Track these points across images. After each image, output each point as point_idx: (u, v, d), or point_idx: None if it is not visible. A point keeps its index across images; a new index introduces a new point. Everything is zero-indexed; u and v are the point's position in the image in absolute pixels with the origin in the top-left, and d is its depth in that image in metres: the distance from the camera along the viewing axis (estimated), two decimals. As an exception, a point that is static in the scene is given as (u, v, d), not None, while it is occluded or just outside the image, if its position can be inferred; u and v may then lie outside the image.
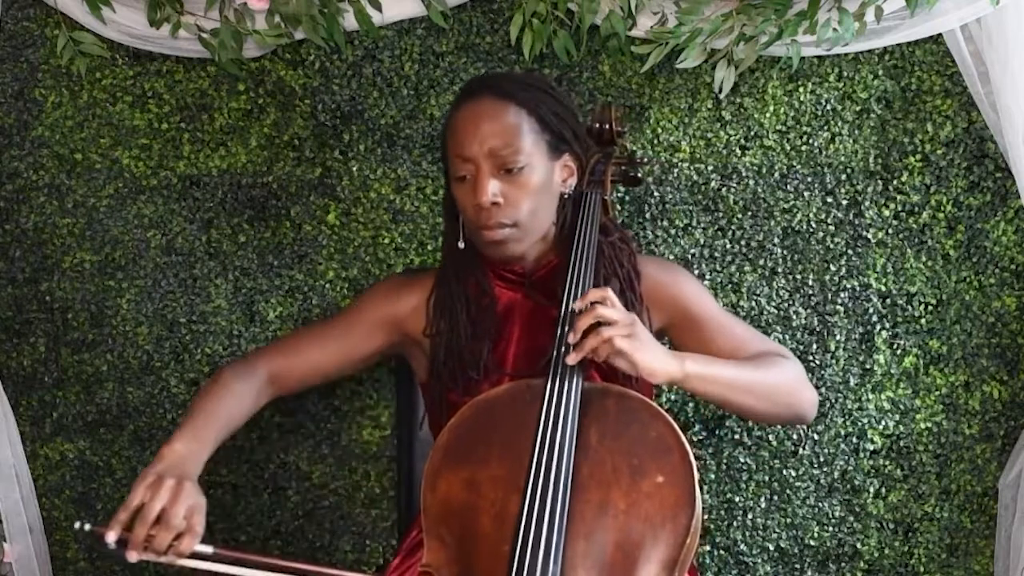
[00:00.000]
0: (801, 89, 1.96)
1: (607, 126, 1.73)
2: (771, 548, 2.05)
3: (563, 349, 1.43)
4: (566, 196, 1.61)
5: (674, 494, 1.34)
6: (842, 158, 1.97)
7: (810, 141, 1.97)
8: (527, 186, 1.54)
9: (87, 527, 1.29)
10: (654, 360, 1.40)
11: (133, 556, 1.29)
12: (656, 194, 1.99)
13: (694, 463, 1.35)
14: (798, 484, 2.03)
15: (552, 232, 1.62)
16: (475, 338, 1.60)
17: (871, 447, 2.02)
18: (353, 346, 1.66)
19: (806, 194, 1.98)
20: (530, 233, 1.57)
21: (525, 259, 1.61)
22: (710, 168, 1.99)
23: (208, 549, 1.31)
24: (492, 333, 1.61)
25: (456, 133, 1.56)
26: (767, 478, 2.03)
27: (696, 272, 2.00)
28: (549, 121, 1.57)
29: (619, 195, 2.00)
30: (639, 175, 1.79)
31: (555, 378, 1.42)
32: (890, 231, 1.98)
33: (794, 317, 2.00)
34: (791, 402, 1.58)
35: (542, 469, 1.35)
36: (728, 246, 2.00)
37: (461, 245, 1.60)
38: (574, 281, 1.51)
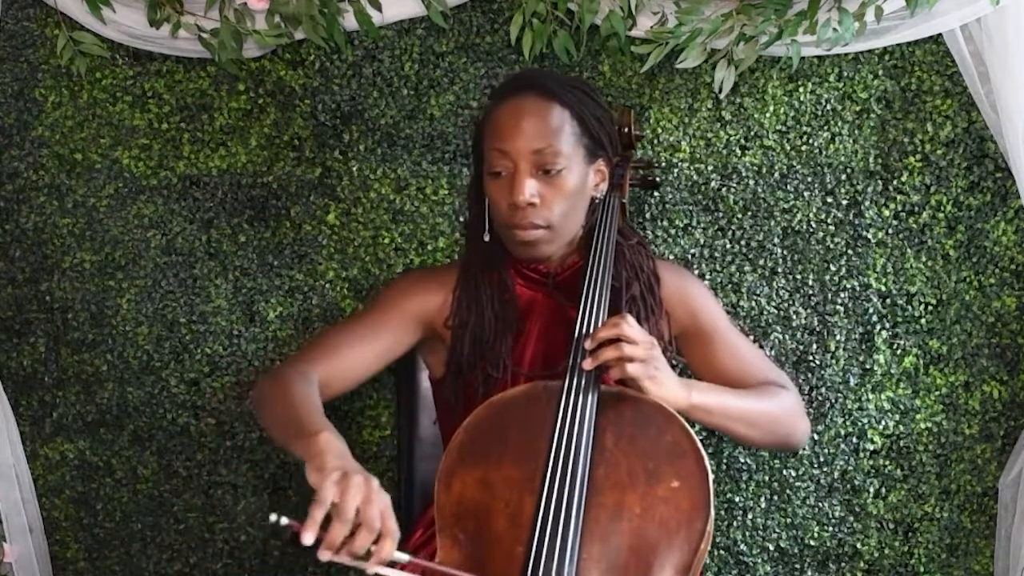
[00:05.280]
0: (801, 89, 1.96)
1: (625, 130, 1.74)
2: (771, 548, 2.05)
3: (580, 354, 1.43)
4: (596, 200, 1.61)
5: (689, 499, 1.34)
6: (842, 158, 1.97)
7: (810, 141, 1.97)
8: (563, 189, 1.53)
9: (283, 521, 1.16)
10: (663, 392, 1.41)
11: (326, 556, 1.17)
12: (656, 194, 1.99)
13: (709, 468, 1.35)
14: (798, 484, 2.03)
15: (579, 235, 1.62)
16: (498, 334, 1.60)
17: (871, 447, 2.02)
18: (391, 344, 1.63)
19: (806, 194, 1.98)
20: (561, 236, 1.57)
21: (551, 260, 1.61)
22: (710, 168, 1.99)
23: (405, 557, 1.21)
24: (514, 330, 1.61)
25: (497, 128, 1.55)
26: (767, 478, 2.03)
27: (696, 272, 2.00)
28: (590, 124, 1.56)
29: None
30: (656, 179, 1.80)
31: (572, 381, 1.42)
32: (890, 231, 1.98)
33: (794, 317, 2.00)
34: (786, 433, 1.60)
35: (558, 471, 1.35)
36: (728, 246, 2.00)
37: (486, 238, 1.60)
38: (592, 283, 1.51)
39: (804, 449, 2.02)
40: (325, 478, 1.21)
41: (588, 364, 1.41)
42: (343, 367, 1.59)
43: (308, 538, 1.16)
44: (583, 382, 1.42)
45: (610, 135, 1.61)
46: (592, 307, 1.49)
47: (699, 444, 1.37)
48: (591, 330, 1.45)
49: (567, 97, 1.55)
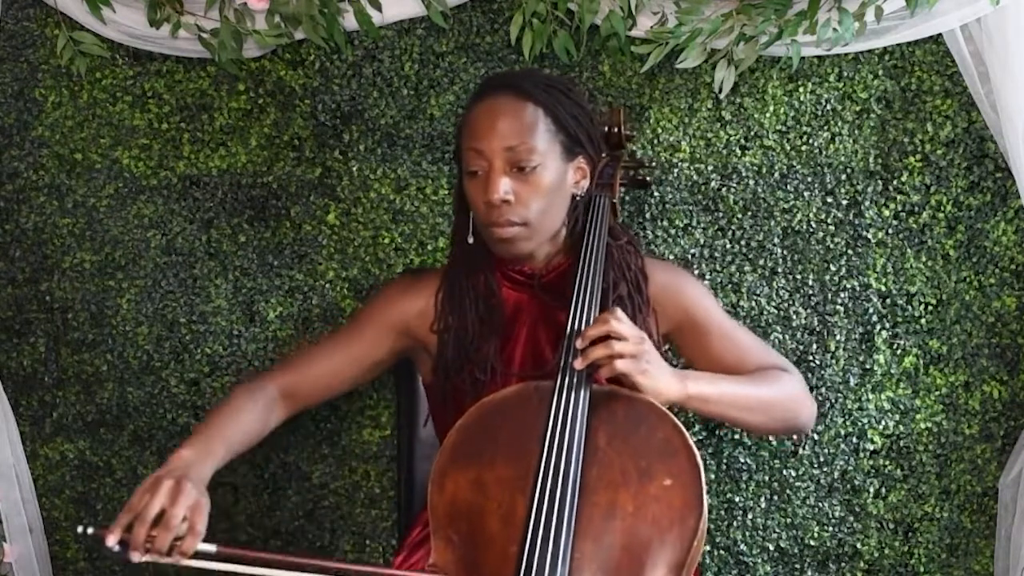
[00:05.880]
0: (801, 89, 1.96)
1: (615, 129, 1.74)
2: (771, 548, 2.05)
3: (571, 353, 1.43)
4: (578, 198, 1.61)
5: (682, 497, 1.34)
6: (842, 158, 1.97)
7: (810, 141, 1.97)
8: (539, 186, 1.54)
9: (90, 530, 1.28)
10: (657, 385, 1.41)
11: (135, 557, 1.27)
12: (656, 194, 1.99)
13: (701, 466, 1.35)
14: (798, 484, 2.03)
15: (562, 234, 1.62)
16: (483, 337, 1.60)
17: (871, 447, 2.02)
18: (361, 354, 1.65)
19: (806, 194, 1.98)
20: (539, 233, 1.57)
21: (534, 259, 1.62)
22: (710, 168, 1.99)
23: (211, 548, 1.30)
24: (500, 332, 1.61)
25: (472, 128, 1.55)
26: (767, 478, 2.03)
27: (696, 272, 2.00)
28: (566, 122, 1.56)
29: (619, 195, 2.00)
30: (647, 178, 1.80)
31: (563, 380, 1.42)
32: (890, 231, 1.98)
33: (794, 317, 2.00)
34: (789, 417, 1.60)
35: (550, 470, 1.35)
36: (728, 246, 2.00)
37: (471, 240, 1.60)
38: (583, 284, 1.51)
39: (804, 449, 2.02)
40: (139, 488, 1.32)
41: (579, 363, 1.40)
42: (309, 378, 1.63)
43: (110, 540, 1.27)
44: (574, 381, 1.42)
45: (589, 133, 1.61)
46: (582, 307, 1.49)
47: (691, 442, 1.37)
48: (581, 329, 1.45)
49: (540, 95, 1.55)
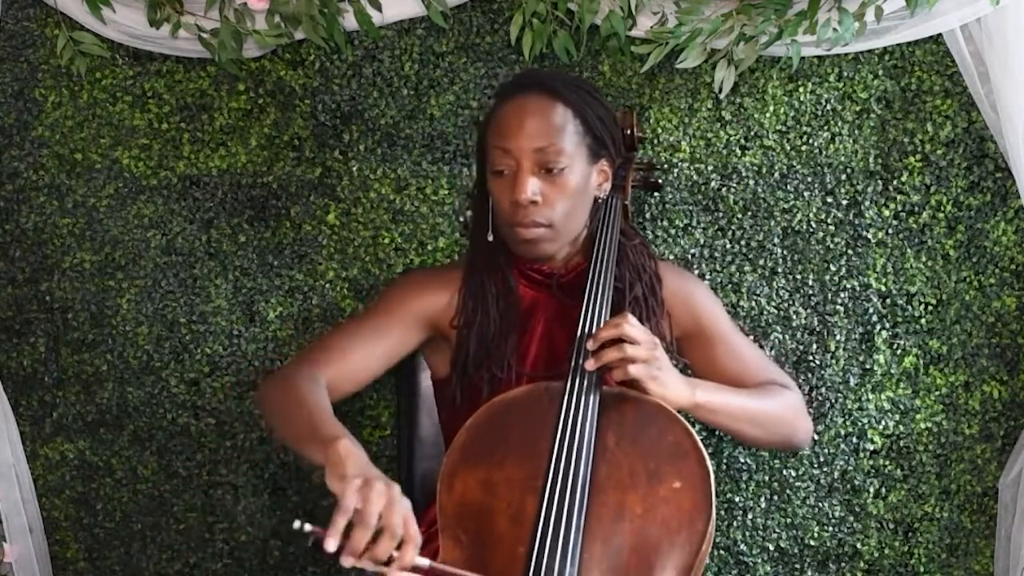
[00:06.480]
0: (801, 89, 1.96)
1: (628, 131, 1.74)
2: (771, 548, 2.05)
3: (582, 354, 1.43)
4: (599, 200, 1.61)
5: (691, 499, 1.34)
6: (842, 158, 1.97)
7: (810, 141, 1.97)
8: (566, 187, 1.54)
9: (307, 528, 1.17)
10: (666, 392, 1.41)
11: (348, 562, 1.18)
12: (656, 194, 1.99)
13: (711, 469, 1.35)
14: (798, 484, 2.03)
15: (582, 236, 1.62)
16: (501, 334, 1.60)
17: (871, 447, 2.02)
18: (396, 344, 1.62)
19: (806, 194, 1.98)
20: (563, 235, 1.57)
21: (553, 259, 1.62)
22: (710, 168, 1.99)
23: (425, 562, 1.22)
24: (517, 330, 1.61)
25: (500, 126, 1.55)
26: (767, 478, 2.03)
27: (696, 272, 2.00)
28: (593, 124, 1.57)
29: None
30: (658, 180, 1.80)
31: (574, 381, 1.42)
32: (890, 231, 1.98)
33: (794, 317, 2.00)
34: (788, 433, 1.61)
35: (560, 471, 1.35)
36: (728, 246, 2.00)
37: (490, 238, 1.60)
38: (595, 285, 1.52)
39: (804, 449, 2.02)
40: (347, 485, 1.22)
41: (590, 365, 1.40)
42: (349, 369, 1.59)
43: (331, 544, 1.16)
44: (585, 383, 1.42)
45: (613, 136, 1.61)
46: (595, 308, 1.49)
47: (701, 445, 1.37)
48: (593, 331, 1.45)
49: (570, 96, 1.55)
